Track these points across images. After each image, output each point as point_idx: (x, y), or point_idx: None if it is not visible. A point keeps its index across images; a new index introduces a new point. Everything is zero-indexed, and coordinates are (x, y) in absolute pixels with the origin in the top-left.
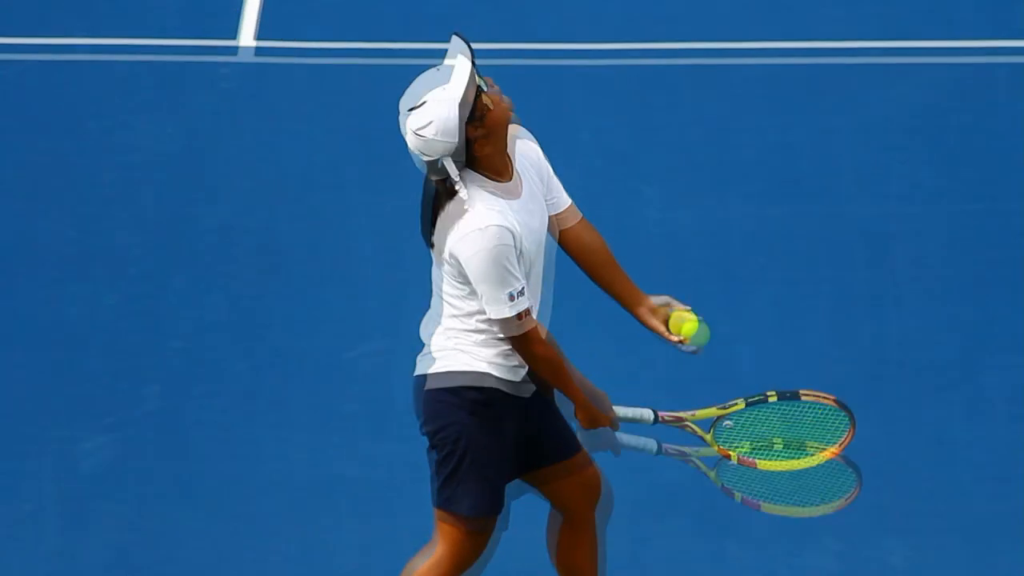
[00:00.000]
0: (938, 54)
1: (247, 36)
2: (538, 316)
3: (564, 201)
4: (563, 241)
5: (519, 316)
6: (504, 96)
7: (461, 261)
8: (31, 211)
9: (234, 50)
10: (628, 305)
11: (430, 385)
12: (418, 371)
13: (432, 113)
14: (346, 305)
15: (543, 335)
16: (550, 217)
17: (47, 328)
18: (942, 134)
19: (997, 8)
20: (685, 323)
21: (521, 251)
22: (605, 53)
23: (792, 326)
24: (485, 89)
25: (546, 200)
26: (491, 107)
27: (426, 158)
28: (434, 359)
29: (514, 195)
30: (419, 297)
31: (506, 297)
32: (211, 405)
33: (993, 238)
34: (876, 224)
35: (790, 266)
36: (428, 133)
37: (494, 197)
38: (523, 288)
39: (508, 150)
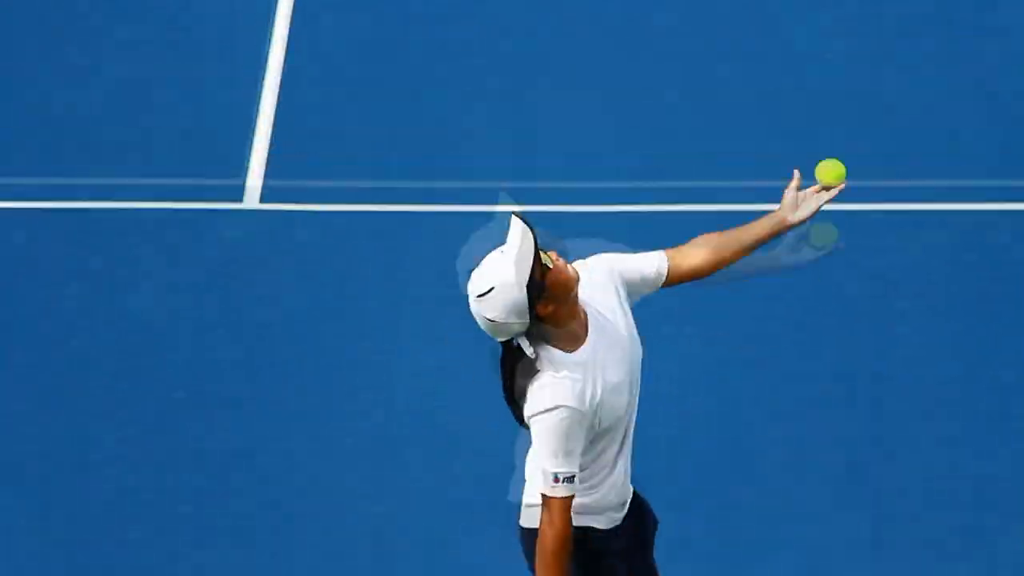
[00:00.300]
0: (946, 198)
1: (253, 180)
2: (625, 433)
3: (658, 263)
4: (680, 280)
5: (553, 501)
6: (569, 264)
7: (532, 433)
8: (32, 355)
9: (240, 194)
10: (776, 232)
11: (533, 528)
12: (523, 522)
13: (499, 297)
14: (350, 471)
15: (566, 532)
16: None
17: (48, 484)
18: (948, 280)
19: (1003, 151)
20: (831, 170)
21: (597, 416)
22: (611, 193)
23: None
24: (550, 266)
25: (644, 277)
26: (557, 281)
27: (499, 338)
28: (536, 504)
29: (586, 348)
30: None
31: (551, 477)
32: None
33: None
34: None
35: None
36: (498, 317)
37: (567, 363)
38: (573, 476)
39: (577, 305)
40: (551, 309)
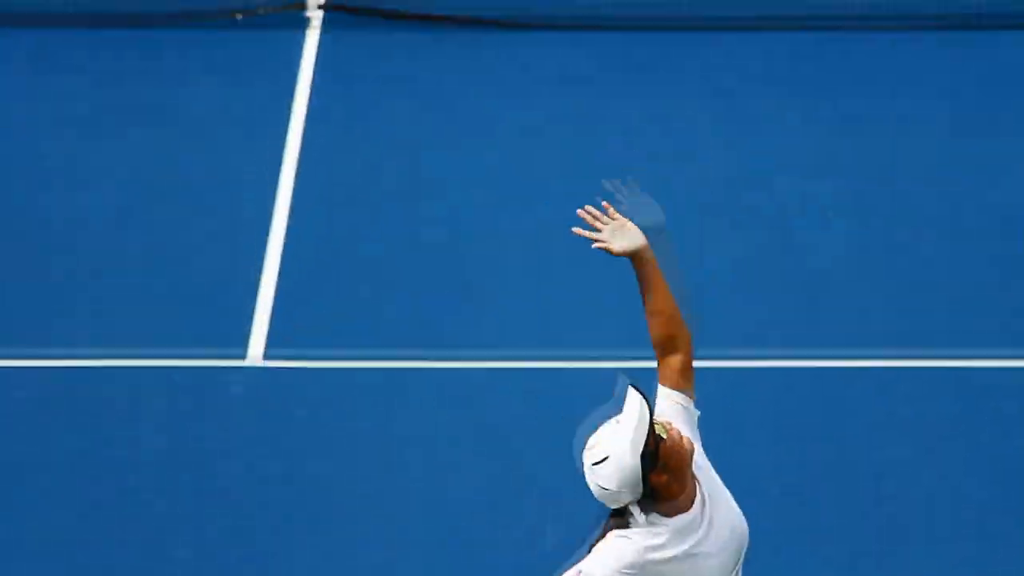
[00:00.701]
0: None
1: (255, 352)
2: None
3: (683, 397)
4: (690, 369)
5: None
6: (684, 434)
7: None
8: (40, 526)
9: (242, 367)
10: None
11: None
12: None
13: (614, 466)
14: None
15: None
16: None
17: None
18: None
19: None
20: None
21: None
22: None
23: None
24: (664, 437)
25: (695, 416)
26: (672, 452)
27: (611, 506)
28: None
29: (692, 518)
30: None
31: (581, 570)
32: None
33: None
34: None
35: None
36: (612, 486)
37: (665, 523)
38: None
39: (689, 474)
40: (665, 479)
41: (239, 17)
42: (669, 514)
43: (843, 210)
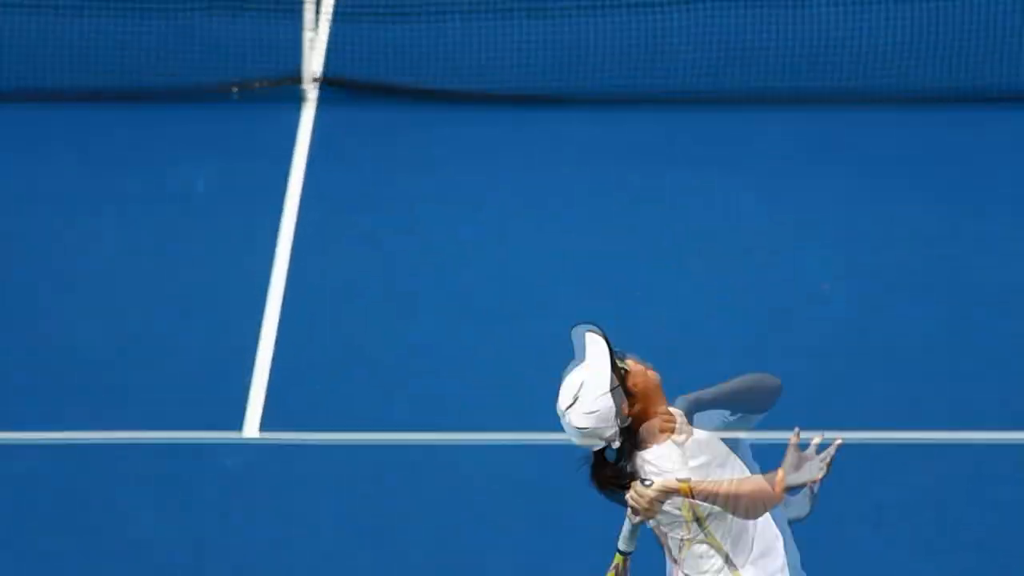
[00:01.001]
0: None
1: (251, 428)
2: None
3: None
4: None
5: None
6: (646, 362)
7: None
8: None
9: (239, 443)
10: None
11: None
12: None
13: (587, 407)
14: None
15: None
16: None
17: None
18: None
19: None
20: None
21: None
22: None
23: None
24: (628, 368)
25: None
26: (637, 381)
27: (594, 447)
28: None
29: (680, 441)
30: None
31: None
32: None
33: None
34: None
35: None
36: (588, 424)
37: (665, 443)
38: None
39: (664, 406)
40: (638, 409)
41: (235, 92)
42: (650, 443)
43: (839, 279)
